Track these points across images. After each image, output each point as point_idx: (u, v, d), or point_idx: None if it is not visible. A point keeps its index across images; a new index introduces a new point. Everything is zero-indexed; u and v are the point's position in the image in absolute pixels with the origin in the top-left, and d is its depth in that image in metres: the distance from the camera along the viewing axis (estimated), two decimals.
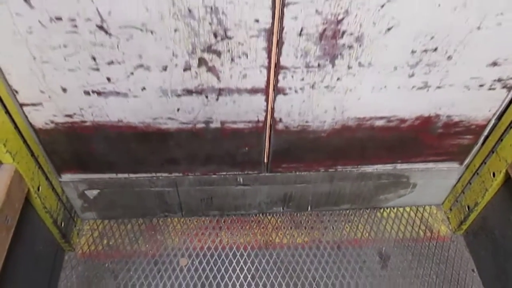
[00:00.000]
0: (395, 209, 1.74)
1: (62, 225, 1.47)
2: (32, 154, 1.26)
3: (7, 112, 1.12)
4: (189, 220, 1.69)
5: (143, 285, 1.49)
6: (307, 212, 1.71)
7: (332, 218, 1.71)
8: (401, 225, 1.69)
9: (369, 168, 1.51)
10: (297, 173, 1.51)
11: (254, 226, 1.68)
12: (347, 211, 1.73)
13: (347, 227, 1.68)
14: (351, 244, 1.63)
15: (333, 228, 1.68)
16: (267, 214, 1.71)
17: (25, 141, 1.21)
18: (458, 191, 1.62)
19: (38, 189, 1.29)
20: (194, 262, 1.56)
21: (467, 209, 1.57)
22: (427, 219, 1.72)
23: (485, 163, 1.44)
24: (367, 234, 1.66)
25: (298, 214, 1.71)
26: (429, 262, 1.59)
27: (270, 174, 1.50)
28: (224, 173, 1.48)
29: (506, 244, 1.41)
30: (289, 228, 1.68)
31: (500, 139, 1.36)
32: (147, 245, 1.60)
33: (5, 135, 1.12)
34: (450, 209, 1.70)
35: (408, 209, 1.75)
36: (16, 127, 1.17)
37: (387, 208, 1.74)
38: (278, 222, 1.69)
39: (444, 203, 1.74)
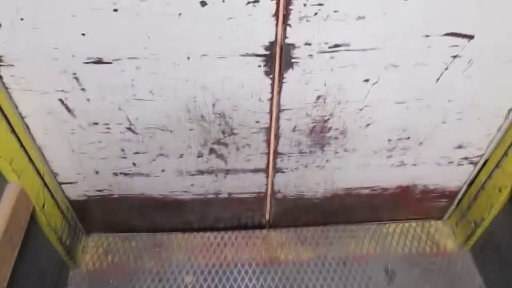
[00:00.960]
0: (401, 224, 1.73)
1: (67, 242, 1.48)
2: (38, 172, 1.28)
3: (15, 133, 1.16)
4: (193, 236, 1.68)
5: None
6: (313, 228, 1.72)
7: (337, 234, 1.70)
8: (407, 241, 1.68)
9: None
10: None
11: (259, 243, 1.67)
12: (353, 227, 1.72)
13: (352, 243, 1.67)
14: (357, 260, 1.61)
15: (338, 244, 1.67)
16: (272, 229, 1.71)
17: (30, 159, 1.24)
18: (464, 206, 1.61)
19: (43, 207, 1.30)
20: (198, 279, 1.55)
21: (473, 224, 1.55)
22: (433, 235, 1.70)
23: (491, 178, 1.43)
24: (372, 250, 1.65)
25: (303, 230, 1.71)
26: (436, 277, 1.57)
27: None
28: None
29: None
30: (294, 244, 1.67)
31: (505, 154, 1.36)
32: (151, 262, 1.60)
33: (10, 154, 1.14)
34: (456, 224, 1.68)
35: (414, 224, 1.73)
36: (22, 145, 1.19)
37: (392, 224, 1.73)
38: (283, 238, 1.68)
39: (450, 218, 1.74)
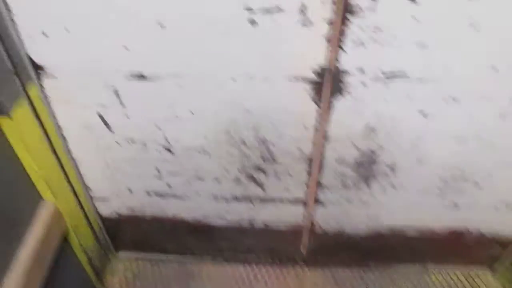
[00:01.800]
0: (446, 273, 1.59)
1: (97, 263, 1.47)
2: (73, 191, 1.27)
3: (60, 164, 1.18)
4: (224, 268, 1.60)
5: None
6: (349, 270, 1.59)
7: (376, 278, 1.57)
8: None
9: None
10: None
11: (292, 281, 1.56)
12: (392, 270, 1.58)
13: None
14: None
15: None
16: (307, 267, 1.59)
17: (67, 177, 1.22)
18: None
19: (76, 227, 1.30)
20: None
21: None
22: (478, 286, 1.56)
23: None
24: None
25: (339, 271, 1.59)
26: None
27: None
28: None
29: None
30: (329, 286, 1.54)
31: None
32: None
33: (48, 172, 1.13)
34: (507, 279, 1.54)
35: (459, 273, 1.58)
36: (59, 163, 1.18)
37: (436, 272, 1.59)
38: (317, 277, 1.57)
39: (501, 269, 1.58)
